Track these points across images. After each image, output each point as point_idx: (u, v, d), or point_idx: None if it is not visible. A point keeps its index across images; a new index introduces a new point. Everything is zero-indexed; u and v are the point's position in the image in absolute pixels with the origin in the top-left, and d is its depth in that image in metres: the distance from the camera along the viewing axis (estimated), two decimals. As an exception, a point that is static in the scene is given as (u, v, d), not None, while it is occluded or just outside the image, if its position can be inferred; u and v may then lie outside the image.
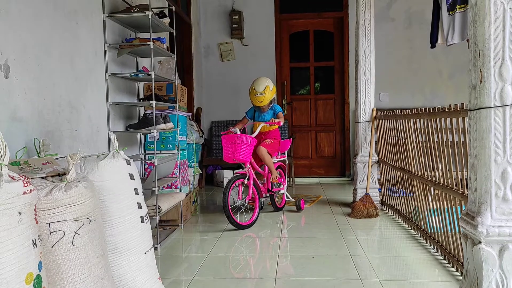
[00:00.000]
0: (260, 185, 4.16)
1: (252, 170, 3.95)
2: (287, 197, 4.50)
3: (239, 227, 3.67)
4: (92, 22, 3.02)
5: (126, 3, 3.43)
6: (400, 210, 3.88)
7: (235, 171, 4.09)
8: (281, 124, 4.15)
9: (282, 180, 4.40)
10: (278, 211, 4.39)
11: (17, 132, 2.17)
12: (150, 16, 3.13)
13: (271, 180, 4.20)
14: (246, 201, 3.91)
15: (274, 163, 4.25)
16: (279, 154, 4.43)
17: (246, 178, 3.87)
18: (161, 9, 3.62)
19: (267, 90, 4.12)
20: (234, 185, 3.80)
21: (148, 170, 3.76)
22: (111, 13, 3.22)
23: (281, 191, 4.42)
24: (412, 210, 3.56)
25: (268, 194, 4.32)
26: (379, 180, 4.45)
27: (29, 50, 2.29)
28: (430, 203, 3.14)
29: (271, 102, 4.24)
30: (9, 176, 1.40)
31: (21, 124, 2.20)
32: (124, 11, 3.25)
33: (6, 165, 1.40)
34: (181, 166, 3.93)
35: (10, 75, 2.12)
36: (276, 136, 4.34)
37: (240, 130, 4.11)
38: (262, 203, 4.34)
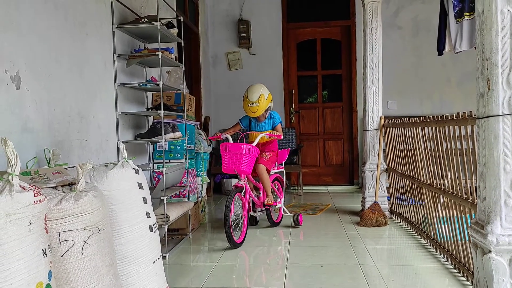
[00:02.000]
0: (256, 198, 3.89)
1: (247, 182, 3.69)
2: (284, 212, 4.16)
3: (236, 245, 3.39)
4: (101, 33, 3.06)
5: (135, 14, 3.48)
6: (409, 218, 3.85)
7: (233, 184, 3.68)
8: (281, 138, 3.85)
9: (279, 193, 4.15)
10: (275, 226, 4.09)
11: (28, 143, 2.20)
12: (158, 27, 3.17)
13: (265, 203, 3.86)
14: (243, 217, 3.59)
15: (270, 175, 3.94)
16: (276, 165, 4.10)
17: (242, 192, 3.59)
18: (170, 20, 3.66)
19: (261, 99, 3.75)
20: (234, 199, 3.52)
21: (157, 179, 3.78)
22: (120, 24, 3.26)
23: (278, 205, 4.06)
24: (421, 219, 3.54)
25: (264, 208, 4.03)
26: (387, 188, 4.42)
27: (39, 61, 2.32)
28: (440, 212, 3.11)
29: (267, 110, 3.87)
30: (20, 186, 1.42)
31: (32, 134, 2.23)
32: (133, 22, 3.29)
33: (17, 175, 1.42)
34: (189, 175, 3.95)
35: (21, 86, 2.16)
36: (274, 148, 4.00)
37: (231, 137, 3.83)
38: (258, 217, 4.16)
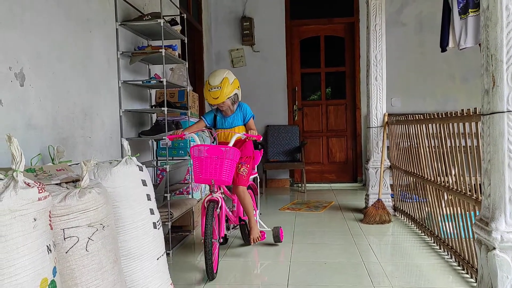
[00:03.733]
0: (230, 213, 3.23)
1: (221, 194, 2.99)
2: (261, 226, 3.48)
3: (214, 276, 2.71)
4: (105, 30, 3.06)
5: (138, 11, 3.48)
6: (413, 216, 3.84)
7: (206, 198, 2.89)
8: (261, 138, 3.10)
9: (253, 204, 3.38)
10: (250, 245, 3.34)
11: (32, 139, 2.21)
12: (162, 24, 3.17)
13: (251, 239, 3.16)
14: (221, 238, 2.95)
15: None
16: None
17: (218, 206, 2.88)
18: (173, 17, 3.66)
19: (226, 83, 2.98)
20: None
21: (160, 176, 3.79)
22: (124, 21, 3.26)
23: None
24: (425, 216, 3.53)
25: (237, 225, 3.38)
26: (391, 185, 4.42)
27: (43, 58, 2.33)
28: (444, 209, 3.11)
29: (235, 101, 3.14)
30: (25, 182, 1.43)
31: (36, 131, 2.24)
32: (137, 19, 3.29)
33: (21, 172, 1.42)
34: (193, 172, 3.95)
35: (25, 84, 2.16)
36: (249, 152, 3.22)
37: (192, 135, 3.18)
38: (228, 234, 3.44)
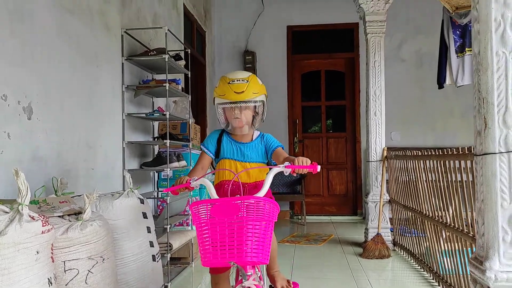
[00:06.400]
0: None
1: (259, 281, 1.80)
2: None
3: None
4: (111, 65, 3.16)
5: (144, 46, 3.59)
6: (412, 251, 3.84)
7: None
8: (318, 169, 1.79)
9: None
10: None
11: (37, 171, 2.26)
12: (166, 59, 3.27)
13: None
14: None
15: None
16: None
17: None
18: (177, 52, 3.77)
19: (254, 79, 2.06)
20: None
21: (161, 208, 3.81)
22: (130, 56, 3.36)
23: None
24: (424, 251, 3.53)
25: None
26: (390, 219, 4.42)
27: (51, 92, 2.41)
28: (442, 245, 3.11)
29: (257, 115, 2.11)
30: (29, 216, 1.47)
31: (41, 163, 2.29)
32: (142, 54, 3.39)
33: (27, 205, 1.47)
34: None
35: (32, 117, 2.23)
36: (269, 192, 1.96)
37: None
38: None
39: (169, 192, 1.99)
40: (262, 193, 1.74)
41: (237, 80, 2.02)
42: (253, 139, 2.17)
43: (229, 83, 2.01)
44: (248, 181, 2.09)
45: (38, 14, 2.30)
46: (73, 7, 2.64)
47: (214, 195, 1.79)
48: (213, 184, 1.89)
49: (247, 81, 2.02)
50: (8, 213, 1.44)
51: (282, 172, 1.81)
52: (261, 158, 2.17)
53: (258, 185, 2.10)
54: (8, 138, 2.06)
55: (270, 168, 1.84)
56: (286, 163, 1.82)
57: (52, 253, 1.56)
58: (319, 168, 1.77)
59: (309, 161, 1.81)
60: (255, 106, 2.06)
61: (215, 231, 1.59)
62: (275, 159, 2.09)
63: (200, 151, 2.22)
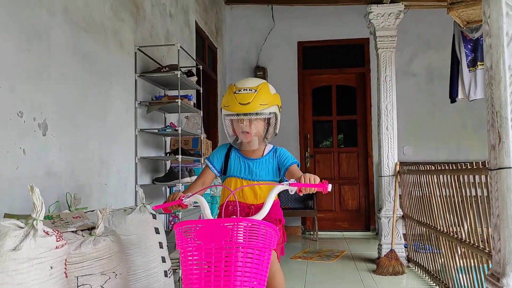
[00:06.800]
0: None
1: None
2: None
3: None
4: (124, 81, 3.21)
5: (157, 63, 3.64)
6: (427, 267, 3.78)
7: None
8: (329, 188, 1.57)
9: None
10: None
11: (51, 187, 2.28)
12: (179, 76, 3.31)
13: None
14: None
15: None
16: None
17: None
18: (189, 68, 3.82)
19: (264, 88, 1.87)
20: None
21: (173, 223, 3.82)
22: (143, 73, 3.41)
23: None
24: (439, 268, 3.47)
25: None
26: (404, 235, 4.36)
27: (66, 109, 2.45)
28: (458, 261, 3.06)
29: (269, 128, 1.91)
30: (44, 231, 1.48)
31: (55, 178, 2.32)
32: (155, 71, 3.44)
33: (41, 220, 1.48)
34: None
35: (47, 133, 2.27)
36: (279, 214, 1.99)
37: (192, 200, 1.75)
38: None
39: (161, 209, 1.73)
40: (261, 215, 1.53)
41: (243, 90, 1.83)
42: (264, 154, 1.96)
43: (235, 92, 1.84)
44: (255, 202, 1.86)
45: (54, 32, 2.35)
46: (88, 25, 2.69)
47: (208, 215, 1.59)
48: (217, 205, 1.61)
49: (255, 90, 1.83)
50: (23, 228, 1.46)
51: (287, 190, 1.61)
52: (272, 176, 1.95)
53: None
54: (23, 154, 2.09)
55: (274, 185, 1.64)
56: (292, 180, 1.60)
57: (65, 268, 1.57)
58: (330, 187, 1.55)
59: (317, 179, 1.59)
60: (267, 118, 1.86)
61: (200, 257, 1.39)
62: (289, 178, 1.79)
63: (204, 166, 2.04)
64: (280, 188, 1.61)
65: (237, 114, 1.82)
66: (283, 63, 6.62)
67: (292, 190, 1.60)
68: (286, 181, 1.64)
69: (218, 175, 2.00)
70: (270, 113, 1.85)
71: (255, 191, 1.90)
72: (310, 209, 6.06)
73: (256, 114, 1.81)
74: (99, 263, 1.78)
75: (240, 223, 1.39)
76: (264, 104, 1.81)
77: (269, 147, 2.00)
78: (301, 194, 1.61)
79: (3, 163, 1.97)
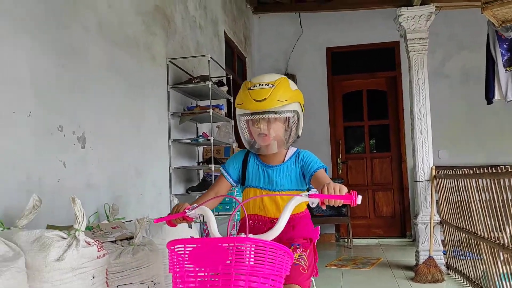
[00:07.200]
0: None
1: None
2: None
3: None
4: (157, 93, 3.28)
5: (188, 74, 3.70)
6: (468, 274, 3.66)
7: None
8: (358, 201, 1.26)
9: None
10: None
11: (90, 198, 2.35)
12: (210, 86, 3.35)
13: None
14: None
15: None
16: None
17: None
18: (220, 78, 3.87)
19: (283, 83, 1.60)
20: None
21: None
22: (175, 84, 3.48)
23: None
24: (480, 275, 3.35)
25: None
26: (442, 241, 4.24)
27: (103, 122, 2.52)
28: (500, 267, 2.95)
29: (291, 128, 1.64)
30: (85, 241, 1.53)
31: (93, 190, 2.39)
32: (186, 82, 3.50)
33: (83, 231, 1.53)
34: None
35: (86, 146, 2.34)
36: (308, 230, 1.71)
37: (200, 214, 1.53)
38: None
39: (165, 222, 1.50)
40: (273, 232, 1.28)
41: (259, 85, 1.56)
42: (286, 159, 1.68)
43: (249, 88, 1.58)
44: (278, 215, 1.38)
45: (90, 48, 2.43)
46: (122, 41, 2.77)
47: (213, 231, 1.37)
48: (238, 220, 1.41)
49: (272, 85, 1.55)
50: (65, 239, 1.51)
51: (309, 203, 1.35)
52: (296, 184, 1.67)
53: (292, 222, 1.60)
54: (64, 167, 2.16)
55: (293, 196, 1.36)
56: (313, 191, 1.33)
57: (106, 277, 1.61)
58: (359, 199, 1.26)
59: (345, 189, 1.31)
60: (287, 118, 1.59)
61: (193, 285, 1.16)
62: (315, 186, 1.53)
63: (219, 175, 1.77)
64: (298, 199, 1.35)
65: (252, 113, 1.57)
66: (312, 69, 6.61)
67: (314, 202, 1.33)
68: (313, 189, 1.42)
69: (235, 185, 1.76)
70: (290, 111, 1.58)
71: (277, 202, 1.64)
72: (343, 216, 5.98)
73: (274, 112, 1.55)
74: (138, 272, 1.82)
75: (242, 244, 1.13)
76: (283, 101, 1.55)
77: (292, 150, 1.72)
78: (324, 207, 1.33)
79: (45, 176, 2.04)
